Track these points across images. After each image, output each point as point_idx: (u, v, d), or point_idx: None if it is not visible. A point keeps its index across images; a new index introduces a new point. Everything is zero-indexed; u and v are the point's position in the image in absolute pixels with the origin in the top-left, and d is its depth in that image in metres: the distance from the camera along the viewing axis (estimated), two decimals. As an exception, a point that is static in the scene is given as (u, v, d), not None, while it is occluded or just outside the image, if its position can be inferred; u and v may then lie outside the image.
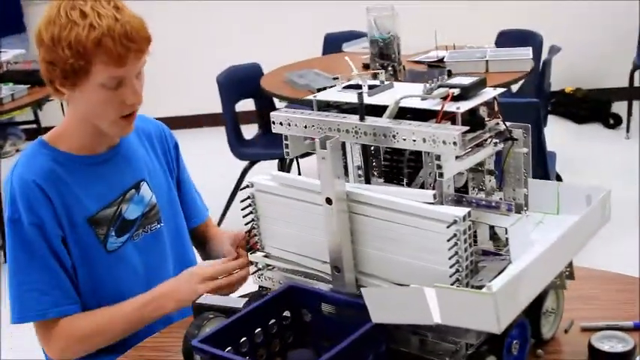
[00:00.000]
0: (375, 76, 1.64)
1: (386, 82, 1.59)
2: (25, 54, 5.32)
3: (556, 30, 5.45)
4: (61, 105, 5.21)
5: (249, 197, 1.59)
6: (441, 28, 4.57)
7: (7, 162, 6.03)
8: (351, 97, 1.54)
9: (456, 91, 1.43)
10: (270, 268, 1.62)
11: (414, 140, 1.38)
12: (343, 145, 1.54)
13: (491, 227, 1.54)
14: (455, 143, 1.33)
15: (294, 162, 1.68)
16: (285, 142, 1.58)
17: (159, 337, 1.80)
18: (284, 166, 4.81)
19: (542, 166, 3.42)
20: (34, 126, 6.25)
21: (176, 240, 2.07)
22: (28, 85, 4.82)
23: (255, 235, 1.62)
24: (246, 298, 1.67)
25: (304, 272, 1.56)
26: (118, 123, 1.83)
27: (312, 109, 1.60)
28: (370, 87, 1.57)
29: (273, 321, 1.49)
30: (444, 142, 1.34)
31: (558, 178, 3.91)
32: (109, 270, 1.90)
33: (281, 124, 1.56)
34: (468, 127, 1.36)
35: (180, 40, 6.63)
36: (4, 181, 1.86)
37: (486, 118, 1.48)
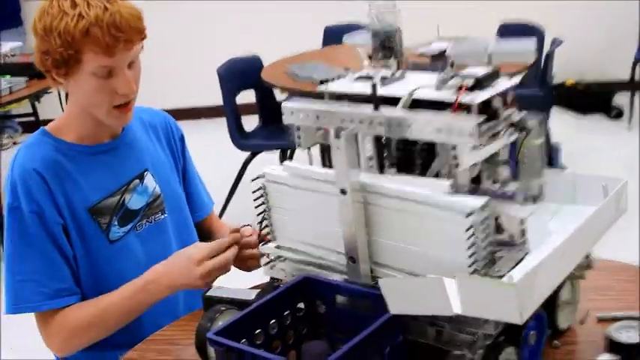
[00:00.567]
0: (386, 68, 1.64)
1: (397, 73, 1.58)
2: (23, 47, 5.29)
3: (557, 22, 5.44)
4: (59, 97, 5.23)
5: (260, 188, 1.59)
6: (442, 22, 4.57)
7: (5, 155, 6.01)
8: (364, 87, 1.53)
9: (471, 82, 1.43)
10: (282, 259, 1.62)
11: (430, 131, 1.37)
12: (355, 135, 1.53)
13: (496, 218, 1.54)
14: (471, 134, 1.33)
15: (306, 153, 1.67)
16: (296, 132, 1.57)
17: (168, 330, 1.79)
18: (285, 157, 4.81)
19: (548, 158, 3.42)
20: (32, 119, 6.22)
21: (181, 231, 2.06)
22: (26, 78, 4.80)
23: (267, 226, 1.62)
24: (257, 290, 1.67)
25: (317, 263, 1.56)
26: (113, 113, 1.83)
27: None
28: (382, 78, 1.56)
29: (287, 312, 1.49)
30: (460, 133, 1.34)
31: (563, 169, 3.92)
32: (111, 260, 1.90)
33: (292, 114, 1.55)
34: (484, 117, 1.36)
35: (180, 32, 6.62)
36: (7, 171, 1.86)
37: (501, 109, 1.47)
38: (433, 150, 1.52)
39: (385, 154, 1.61)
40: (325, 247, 1.53)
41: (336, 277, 1.51)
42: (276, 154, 4.72)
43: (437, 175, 1.51)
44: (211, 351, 1.48)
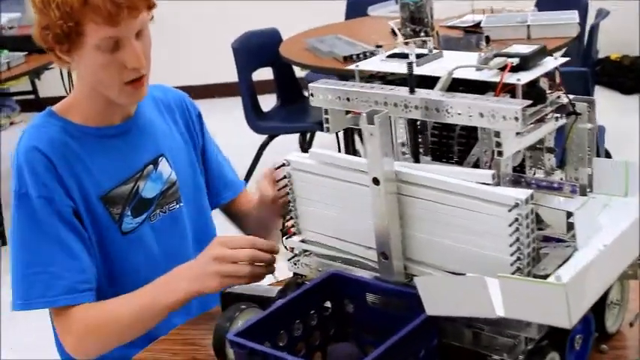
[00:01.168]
0: (423, 44, 1.63)
1: (435, 51, 1.57)
2: (21, 18, 5.29)
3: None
4: (61, 74, 5.23)
5: (285, 177, 1.58)
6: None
7: (4, 135, 6.03)
8: (398, 67, 1.52)
9: (515, 61, 1.42)
10: (307, 253, 1.62)
11: (471, 115, 1.36)
12: (388, 120, 1.53)
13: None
14: (516, 118, 1.31)
15: (336, 138, 1.66)
16: (325, 116, 1.56)
17: (183, 329, 1.79)
18: (305, 141, 4.81)
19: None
20: (32, 97, 6.25)
21: (197, 222, 2.06)
22: (25, 53, 4.80)
23: (292, 218, 1.61)
24: (279, 286, 1.67)
25: (345, 259, 1.56)
26: (124, 90, 1.81)
27: (337, 79, 1.58)
28: (418, 56, 1.56)
29: (312, 312, 1.48)
30: (504, 118, 1.33)
31: (607, 155, 3.90)
32: (124, 253, 1.90)
33: (320, 96, 1.55)
34: (530, 101, 1.35)
35: (191, 2, 6.60)
36: (12, 155, 1.85)
37: (547, 91, 1.46)
38: (471, 136, 1.51)
39: (419, 140, 1.60)
40: (354, 242, 1.53)
41: (366, 274, 1.51)
42: (295, 137, 4.72)
43: (476, 163, 1.50)
44: (230, 352, 1.48)
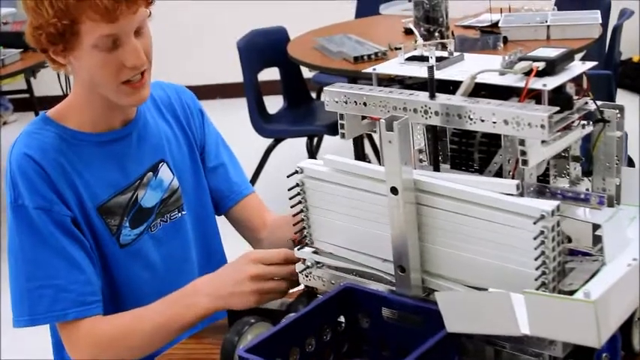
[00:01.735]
0: (443, 47, 1.62)
1: (456, 54, 1.57)
2: (16, 13, 5.28)
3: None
4: (57, 72, 5.23)
5: (297, 185, 1.58)
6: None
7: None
8: (418, 70, 1.52)
9: (541, 65, 1.41)
10: (319, 265, 1.61)
11: (494, 122, 1.36)
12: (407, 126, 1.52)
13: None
14: (542, 126, 1.31)
15: (353, 144, 1.65)
16: (340, 121, 1.56)
17: (188, 344, 1.79)
18: (312, 145, 4.81)
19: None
20: (27, 96, 6.25)
21: (201, 230, 2.05)
22: (21, 50, 4.79)
23: (304, 227, 1.61)
24: (289, 299, 1.67)
25: (359, 271, 1.56)
26: (124, 90, 1.80)
27: (347, 81, 1.58)
28: (438, 59, 1.55)
29: (326, 327, 1.48)
30: (529, 125, 1.32)
31: (630, 163, 3.89)
32: (122, 267, 1.89)
33: (336, 101, 1.54)
34: (557, 108, 1.35)
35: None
36: (5, 163, 1.84)
37: (574, 97, 1.46)
38: (493, 143, 1.51)
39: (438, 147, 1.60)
40: (370, 254, 1.52)
41: (381, 288, 1.51)
42: (302, 141, 4.71)
43: (497, 172, 1.50)
44: (239, 369, 1.47)
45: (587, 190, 1.51)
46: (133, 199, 1.90)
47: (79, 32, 1.71)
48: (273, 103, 4.92)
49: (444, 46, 1.63)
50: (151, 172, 1.94)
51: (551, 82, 1.39)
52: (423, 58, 1.58)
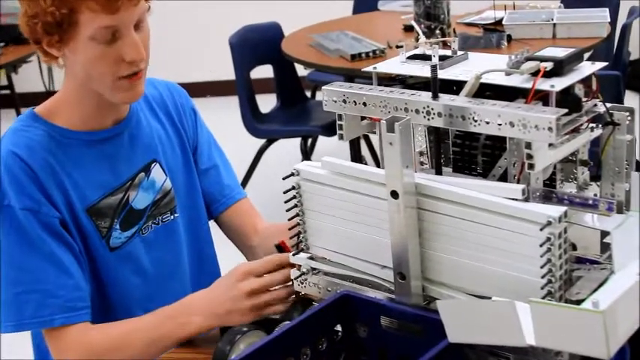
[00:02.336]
0: (444, 45, 1.63)
1: (460, 53, 1.58)
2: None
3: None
4: (40, 68, 5.25)
5: (293, 187, 1.58)
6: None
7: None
8: (420, 69, 1.53)
9: (549, 66, 1.42)
10: (315, 272, 1.62)
11: (500, 124, 1.37)
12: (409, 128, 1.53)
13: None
14: (550, 129, 1.32)
15: (350, 146, 1.66)
16: (338, 122, 1.57)
17: (178, 353, 1.79)
18: (306, 146, 4.81)
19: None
20: (7, 92, 6.24)
21: (194, 233, 2.06)
22: (2, 44, 4.79)
23: (300, 232, 1.61)
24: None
25: (357, 278, 1.56)
26: (120, 85, 1.80)
27: (344, 79, 1.59)
28: (441, 58, 1.56)
29: (321, 336, 1.48)
30: (536, 127, 1.33)
31: (638, 167, 3.89)
32: (112, 271, 1.90)
33: (335, 101, 1.55)
34: (565, 110, 1.35)
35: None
36: None
37: (583, 98, 1.47)
38: (497, 146, 1.51)
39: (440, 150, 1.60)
40: (368, 260, 1.53)
41: (380, 296, 1.51)
42: (296, 142, 4.71)
43: (502, 176, 1.50)
44: (232, 381, 1.48)
45: (595, 195, 1.52)
46: (124, 201, 1.90)
47: (77, 22, 1.71)
48: (266, 102, 4.92)
49: (445, 44, 1.63)
50: (142, 173, 1.94)
51: (559, 83, 1.39)
52: (425, 57, 1.59)
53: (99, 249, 1.87)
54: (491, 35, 4.13)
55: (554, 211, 1.30)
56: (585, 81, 1.47)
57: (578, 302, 1.28)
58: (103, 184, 1.88)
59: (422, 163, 1.65)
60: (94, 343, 1.79)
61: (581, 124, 1.43)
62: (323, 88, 1.55)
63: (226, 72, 4.79)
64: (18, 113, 4.59)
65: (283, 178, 1.58)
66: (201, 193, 2.09)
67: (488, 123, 1.38)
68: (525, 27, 4.16)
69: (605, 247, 1.48)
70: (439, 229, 1.42)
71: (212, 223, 2.15)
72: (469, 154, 1.56)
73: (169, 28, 6.38)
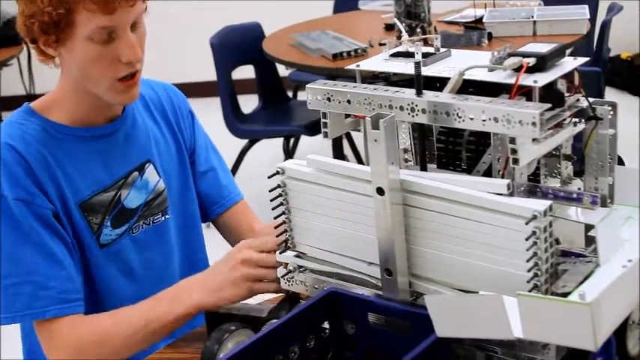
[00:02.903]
0: (425, 43, 1.64)
1: (443, 50, 1.59)
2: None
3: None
4: (20, 72, 5.21)
5: (279, 186, 1.59)
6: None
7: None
8: (403, 67, 1.53)
9: (532, 61, 1.43)
10: (302, 270, 1.62)
11: (484, 120, 1.37)
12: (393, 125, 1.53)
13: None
14: (534, 124, 1.32)
15: (332, 143, 1.66)
16: (323, 120, 1.57)
17: (165, 353, 1.79)
18: (289, 146, 4.82)
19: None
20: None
21: (185, 235, 2.06)
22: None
23: (286, 230, 1.62)
24: (270, 305, 1.67)
25: (344, 275, 1.56)
26: (116, 87, 1.81)
27: (326, 78, 1.59)
28: (424, 55, 1.57)
29: (309, 334, 1.49)
30: (520, 123, 1.34)
31: (620, 161, 3.91)
32: (100, 268, 1.90)
33: (319, 99, 1.55)
34: (549, 105, 1.36)
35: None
36: None
37: (566, 93, 1.48)
38: (481, 142, 1.52)
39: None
40: (355, 257, 1.53)
41: (367, 292, 1.52)
42: (278, 142, 4.72)
43: (486, 172, 1.51)
44: (221, 380, 1.48)
45: (579, 189, 1.53)
46: (116, 199, 1.91)
47: (74, 22, 1.72)
48: (248, 103, 4.92)
49: (427, 42, 1.64)
50: (136, 172, 1.95)
51: (542, 79, 1.40)
52: (408, 55, 1.59)
53: (89, 245, 1.88)
54: (472, 33, 4.15)
55: (540, 205, 1.31)
56: (568, 76, 1.48)
57: (565, 295, 1.29)
58: (96, 181, 1.89)
59: (406, 160, 1.66)
60: (87, 334, 1.78)
61: (564, 119, 1.44)
62: (307, 86, 1.56)
63: (208, 73, 4.78)
64: (-1, 117, 4.57)
65: (269, 177, 1.58)
66: (195, 196, 2.10)
67: (472, 119, 1.39)
68: (506, 25, 4.18)
69: (590, 241, 1.49)
70: (425, 225, 1.43)
71: (206, 228, 2.15)
72: (453, 150, 1.57)
73: (149, 28, 6.36)
